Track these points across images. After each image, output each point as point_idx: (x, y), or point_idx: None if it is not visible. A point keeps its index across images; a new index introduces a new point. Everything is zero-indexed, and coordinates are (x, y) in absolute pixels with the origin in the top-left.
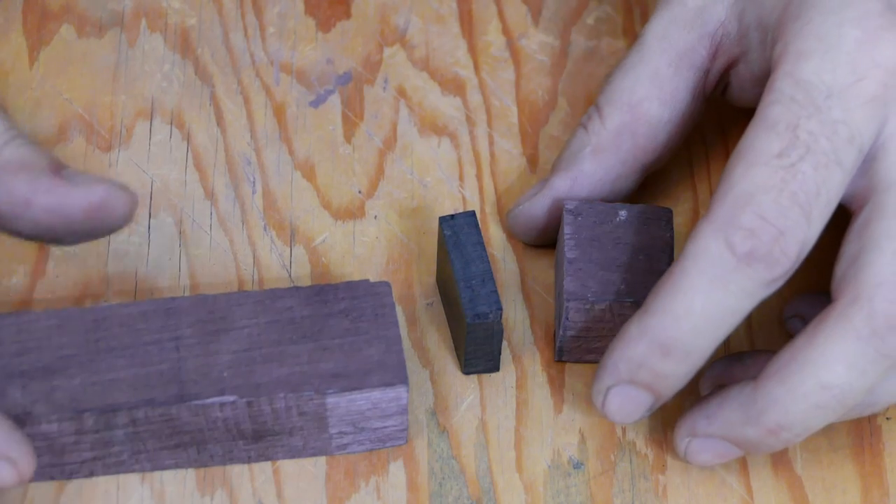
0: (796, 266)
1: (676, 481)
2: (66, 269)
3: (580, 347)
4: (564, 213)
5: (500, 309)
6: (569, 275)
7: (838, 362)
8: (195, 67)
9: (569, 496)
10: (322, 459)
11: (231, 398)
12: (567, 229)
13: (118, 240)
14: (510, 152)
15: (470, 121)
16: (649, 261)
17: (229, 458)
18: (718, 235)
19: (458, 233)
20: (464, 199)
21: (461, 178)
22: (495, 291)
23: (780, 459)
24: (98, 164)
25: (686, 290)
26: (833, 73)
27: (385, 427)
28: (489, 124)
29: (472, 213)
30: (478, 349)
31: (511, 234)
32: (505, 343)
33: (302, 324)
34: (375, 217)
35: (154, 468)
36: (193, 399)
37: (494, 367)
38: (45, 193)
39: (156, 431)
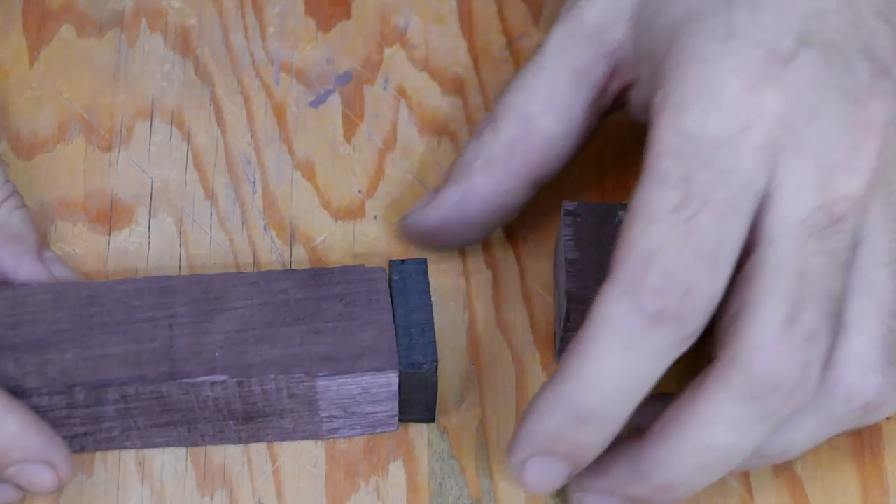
0: (707, 321)
1: None
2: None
3: None
4: (563, 213)
5: (436, 361)
6: (569, 275)
7: (720, 423)
8: (195, 67)
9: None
10: (322, 459)
11: (221, 377)
12: (566, 230)
13: (118, 239)
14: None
15: (470, 121)
16: None
17: (220, 439)
18: (625, 298)
19: (405, 279)
20: None
21: None
22: (433, 343)
23: None
24: (98, 164)
25: (597, 357)
26: (717, 121)
27: (376, 412)
28: None
29: (423, 261)
30: (412, 398)
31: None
32: (505, 343)
33: (296, 306)
34: (375, 217)
35: (144, 445)
36: (184, 377)
37: (430, 419)
38: (25, 274)
39: (146, 408)
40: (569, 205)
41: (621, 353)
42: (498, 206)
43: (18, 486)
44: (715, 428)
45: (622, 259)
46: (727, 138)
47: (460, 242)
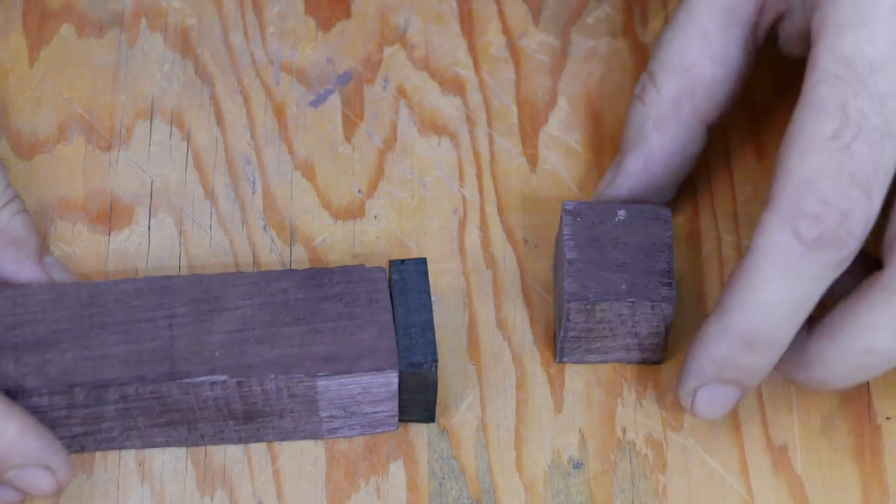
0: (863, 243)
1: (676, 481)
2: None
3: (581, 348)
4: (563, 213)
5: (436, 360)
6: (569, 275)
7: (884, 329)
8: (195, 67)
9: (569, 496)
10: (322, 459)
11: (221, 378)
12: (566, 230)
13: (118, 239)
14: (510, 152)
15: (470, 121)
16: (649, 260)
17: (220, 439)
18: (785, 226)
19: (405, 279)
20: (464, 199)
21: (461, 178)
22: (433, 342)
23: (780, 459)
24: (98, 164)
25: (761, 284)
26: (873, 45)
27: (376, 412)
28: (489, 124)
29: (423, 261)
30: (412, 398)
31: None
32: (505, 343)
33: (296, 306)
34: (375, 217)
35: (144, 445)
36: (184, 377)
37: (429, 419)
38: (26, 279)
39: (146, 408)
40: (569, 204)
41: (783, 279)
42: (679, 160)
43: (17, 490)
44: (880, 333)
45: (780, 188)
46: (882, 63)
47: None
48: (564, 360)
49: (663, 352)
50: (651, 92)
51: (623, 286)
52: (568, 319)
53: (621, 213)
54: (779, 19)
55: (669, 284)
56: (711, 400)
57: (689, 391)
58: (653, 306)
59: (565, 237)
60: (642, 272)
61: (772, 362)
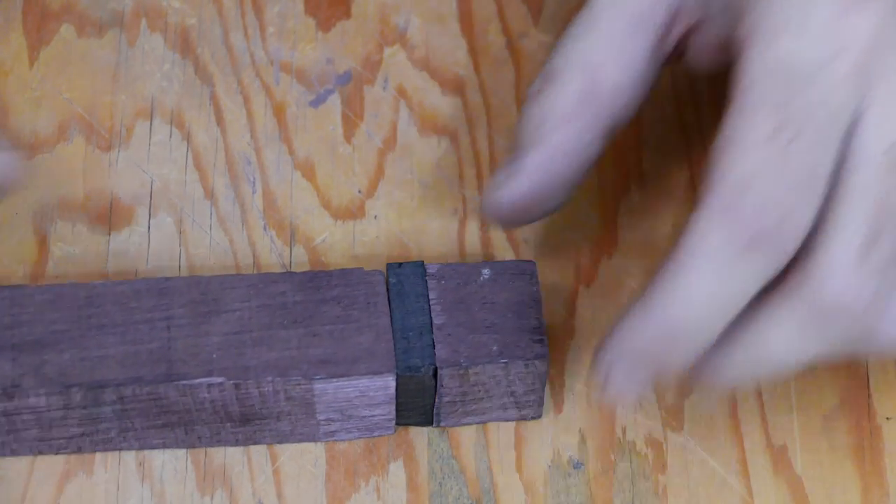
0: (800, 244)
1: (676, 481)
2: (65, 270)
3: (458, 412)
4: (427, 278)
5: (434, 365)
6: (439, 341)
7: (781, 340)
8: (195, 67)
9: (569, 496)
10: (322, 459)
11: (219, 380)
12: (431, 294)
13: (118, 239)
14: (510, 152)
15: (470, 121)
16: (519, 318)
17: (217, 441)
18: (721, 223)
19: (402, 282)
20: (464, 199)
21: (461, 178)
22: (431, 346)
23: (780, 459)
24: (98, 164)
25: (691, 277)
26: (809, 49)
27: (373, 416)
28: (489, 124)
29: (420, 264)
30: (409, 402)
31: (488, 223)
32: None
33: (294, 309)
34: (375, 217)
35: (142, 447)
36: (181, 379)
37: (428, 422)
38: None
39: (143, 410)
40: (431, 268)
41: (714, 274)
42: (583, 161)
43: None
44: (777, 345)
45: (715, 185)
46: (819, 66)
47: (546, 212)
48: (441, 424)
49: (540, 407)
50: (555, 87)
51: (495, 347)
52: (442, 385)
53: (485, 271)
54: (691, 31)
55: (541, 341)
56: (624, 382)
57: (605, 371)
58: (526, 365)
59: (431, 302)
60: (513, 331)
61: (696, 354)
